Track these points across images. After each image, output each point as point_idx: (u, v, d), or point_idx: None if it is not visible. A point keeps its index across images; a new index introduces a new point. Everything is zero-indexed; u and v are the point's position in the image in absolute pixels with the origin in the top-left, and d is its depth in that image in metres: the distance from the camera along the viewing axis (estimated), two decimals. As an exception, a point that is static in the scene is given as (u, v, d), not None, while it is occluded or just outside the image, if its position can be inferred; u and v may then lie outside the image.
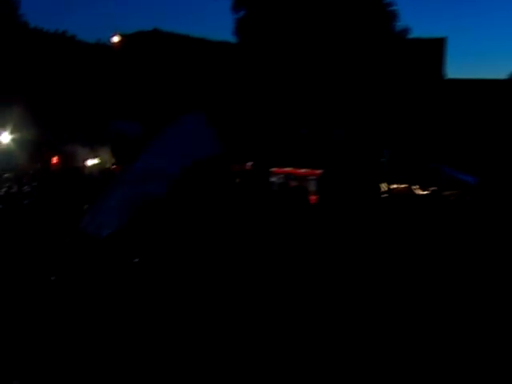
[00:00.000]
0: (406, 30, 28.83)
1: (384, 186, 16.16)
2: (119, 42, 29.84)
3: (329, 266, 5.92)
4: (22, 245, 8.77)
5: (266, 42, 26.71)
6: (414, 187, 16.20)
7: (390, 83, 25.42)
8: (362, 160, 17.91)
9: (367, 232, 6.90)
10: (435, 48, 28.89)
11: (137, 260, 6.58)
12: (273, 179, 18.06)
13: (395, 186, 16.50)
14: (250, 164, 18.80)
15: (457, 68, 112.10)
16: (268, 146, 21.57)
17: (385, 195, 14.50)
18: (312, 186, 17.60)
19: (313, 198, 14.65)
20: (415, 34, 31.49)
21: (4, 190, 12.21)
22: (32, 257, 7.18)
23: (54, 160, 21.26)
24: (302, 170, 18.18)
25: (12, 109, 19.45)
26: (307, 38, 25.76)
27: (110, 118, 23.24)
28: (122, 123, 21.52)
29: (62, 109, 24.92)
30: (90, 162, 20.14)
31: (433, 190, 15.29)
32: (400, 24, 28.38)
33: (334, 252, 6.26)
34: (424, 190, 15.83)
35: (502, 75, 57.86)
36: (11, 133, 18.91)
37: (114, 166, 18.93)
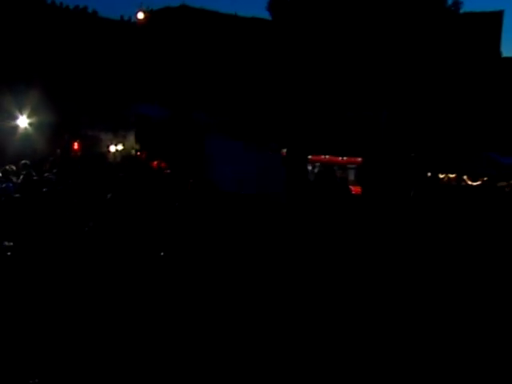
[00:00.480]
0: (457, 4, 28.34)
1: (429, 176, 16.02)
2: (144, 18, 30.04)
3: (373, 261, 6.10)
4: (43, 235, 8.98)
5: (303, 18, 26.57)
6: (464, 177, 16.02)
7: (441, 62, 25.05)
8: (406, 149, 17.75)
9: (414, 227, 6.96)
10: (491, 23, 28.34)
11: (163, 254, 6.85)
12: (309, 167, 18.07)
13: (443, 175, 16.33)
14: (284, 151, 18.80)
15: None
16: (304, 131, 21.47)
17: (431, 186, 14.39)
18: (352, 175, 17.62)
19: (354, 188, 14.60)
20: (468, 7, 30.91)
21: (22, 177, 12.43)
22: (50, 249, 7.34)
23: (75, 146, 21.60)
24: (342, 158, 18.06)
25: (29, 91, 19.73)
26: (349, 11, 25.55)
27: (133, 100, 23.40)
28: (146, 106, 21.67)
29: (82, 91, 25.22)
30: (113, 148, 20.39)
31: (485, 181, 15.10)
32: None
33: (379, 248, 6.36)
34: (475, 181, 15.64)
35: None
36: (29, 116, 19.18)
37: (139, 153, 19.11)
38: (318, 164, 17.58)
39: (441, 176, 16.18)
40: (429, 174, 16.12)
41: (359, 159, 17.72)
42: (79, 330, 4.97)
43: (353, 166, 17.75)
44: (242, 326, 4.90)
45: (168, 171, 16.23)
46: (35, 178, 11.93)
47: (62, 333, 4.96)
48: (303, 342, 4.77)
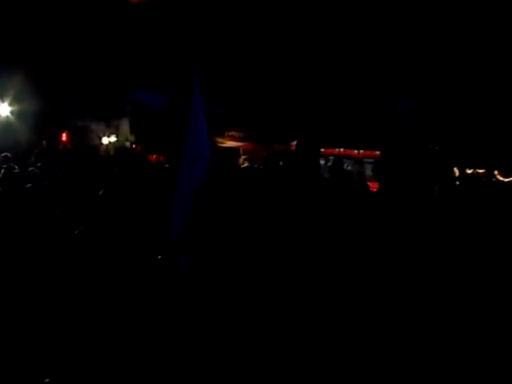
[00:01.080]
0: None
1: (456, 171, 15.96)
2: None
3: (390, 263, 6.15)
4: (26, 237, 8.98)
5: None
6: (495, 173, 15.96)
7: (471, 44, 24.92)
8: (430, 141, 17.66)
9: (438, 228, 6.93)
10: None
11: (160, 257, 6.88)
12: (322, 162, 18.01)
13: (471, 171, 16.29)
14: (294, 143, 18.75)
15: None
16: (315, 121, 21.45)
17: (458, 182, 14.34)
18: (369, 170, 17.56)
19: (371, 185, 14.54)
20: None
21: (3, 171, 12.43)
22: (35, 252, 7.34)
23: (63, 137, 21.65)
24: (358, 151, 18.04)
25: (11, 75, 19.58)
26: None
27: (129, 86, 23.34)
28: (143, 93, 21.67)
29: (71, 75, 25.17)
30: (106, 140, 20.41)
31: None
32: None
33: (397, 250, 6.40)
34: (507, 177, 15.59)
35: None
36: (11, 104, 19.01)
37: (134, 146, 19.12)
38: (331, 158, 17.54)
39: (468, 171, 16.12)
40: (455, 168, 16.07)
41: (377, 153, 17.67)
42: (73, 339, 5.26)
43: (370, 160, 17.71)
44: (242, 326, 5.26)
45: (167, 165, 16.24)
46: (17, 171, 11.92)
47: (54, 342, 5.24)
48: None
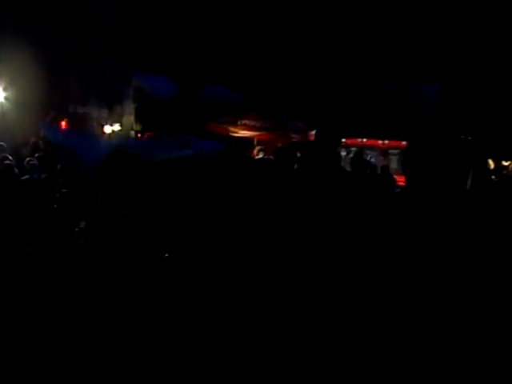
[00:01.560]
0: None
1: (491, 164, 15.80)
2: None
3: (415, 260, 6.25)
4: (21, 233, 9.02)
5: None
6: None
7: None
8: (462, 130, 17.49)
9: (472, 226, 6.92)
10: None
11: (167, 255, 6.97)
12: (343, 153, 17.90)
13: (508, 163, 16.12)
14: (313, 133, 18.68)
15: None
16: (336, 108, 21.33)
17: (493, 176, 14.18)
18: (394, 163, 17.43)
19: (397, 179, 14.39)
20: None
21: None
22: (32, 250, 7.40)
23: (63, 125, 21.67)
24: (383, 141, 17.91)
25: (5, 57, 19.57)
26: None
27: (133, 70, 23.31)
28: (148, 78, 21.63)
29: (71, 57, 25.18)
30: (109, 129, 20.40)
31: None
32: None
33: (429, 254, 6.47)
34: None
35: None
36: (5, 89, 19.03)
37: (140, 135, 19.10)
38: (353, 149, 17.44)
39: (505, 163, 15.94)
40: (489, 161, 15.90)
41: (404, 143, 17.54)
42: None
43: (396, 151, 17.59)
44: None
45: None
46: (11, 162, 11.90)
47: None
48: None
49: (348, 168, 13.05)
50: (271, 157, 15.03)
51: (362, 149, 16.93)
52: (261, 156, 15.15)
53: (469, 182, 13.38)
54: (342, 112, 20.81)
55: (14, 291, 6.49)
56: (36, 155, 13.63)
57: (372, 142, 18.01)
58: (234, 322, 5.75)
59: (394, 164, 16.73)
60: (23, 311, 6.00)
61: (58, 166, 12.33)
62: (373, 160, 16.51)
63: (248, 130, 16.73)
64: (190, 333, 5.62)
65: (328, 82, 24.26)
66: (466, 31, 23.90)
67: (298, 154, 15.07)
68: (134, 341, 5.69)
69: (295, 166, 13.20)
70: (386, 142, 17.73)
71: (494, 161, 15.42)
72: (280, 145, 15.43)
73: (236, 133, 16.75)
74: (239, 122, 16.21)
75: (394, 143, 17.70)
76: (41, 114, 21.78)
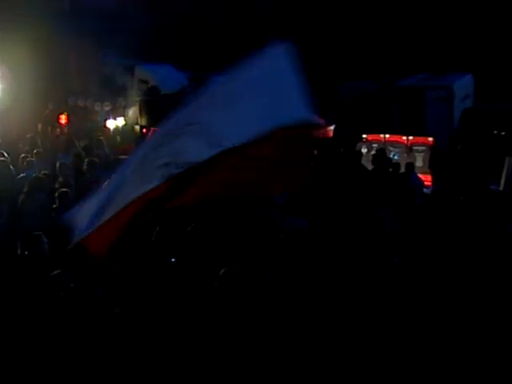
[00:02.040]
0: None
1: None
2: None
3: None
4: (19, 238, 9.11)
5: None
6: None
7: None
8: (495, 125, 17.41)
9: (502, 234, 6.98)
10: None
11: (174, 260, 7.05)
12: (363, 149, 17.84)
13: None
14: (331, 128, 18.63)
15: None
16: (356, 101, 21.27)
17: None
18: (420, 161, 17.36)
19: (423, 178, 14.34)
20: None
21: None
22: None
23: (62, 119, 21.78)
24: (407, 137, 17.85)
25: (2, 45, 19.59)
26: None
27: (139, 59, 23.28)
28: (153, 68, 21.65)
29: (71, 45, 25.17)
30: (112, 123, 20.46)
31: None
32: None
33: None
34: None
35: None
36: (1, 80, 19.09)
37: (145, 130, 19.11)
38: (375, 146, 17.36)
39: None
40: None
41: (430, 139, 17.48)
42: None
43: (422, 147, 17.51)
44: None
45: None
46: (6, 159, 11.98)
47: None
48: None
49: (369, 167, 13.06)
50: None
51: (384, 145, 16.86)
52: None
53: (502, 183, 13.33)
54: (362, 105, 20.74)
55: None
56: (34, 151, 13.70)
57: (395, 138, 17.94)
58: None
59: (419, 162, 16.65)
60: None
61: (58, 164, 12.40)
62: (396, 158, 16.46)
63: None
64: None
65: (346, 72, 24.24)
66: (498, 18, 23.84)
67: (315, 152, 15.08)
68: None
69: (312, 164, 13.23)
70: (411, 137, 17.64)
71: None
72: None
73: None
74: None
75: (420, 139, 17.59)
76: (38, 107, 21.88)
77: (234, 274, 5.93)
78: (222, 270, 5.96)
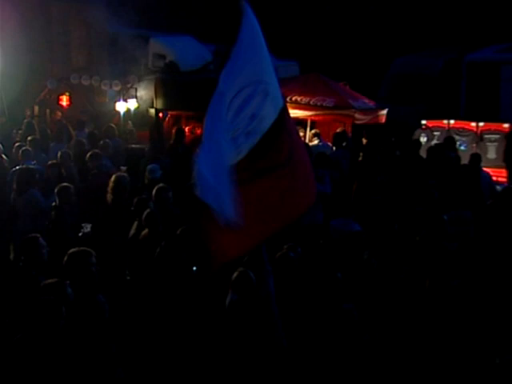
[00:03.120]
0: None
1: None
2: None
3: None
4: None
5: None
6: None
7: None
8: None
9: None
10: None
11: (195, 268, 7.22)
12: (422, 138, 17.74)
13: None
14: (383, 113, 18.55)
15: None
16: (415, 80, 21.21)
17: None
18: (492, 152, 17.23)
19: (495, 172, 14.22)
20: None
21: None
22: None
23: (63, 100, 22.01)
24: (476, 124, 17.76)
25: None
26: None
27: (152, 30, 23.34)
28: (172, 41, 21.71)
29: (73, 15, 25.34)
30: (122, 106, 20.60)
31: None
32: None
33: None
34: None
35: None
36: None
37: (162, 114, 19.15)
38: (437, 133, 17.31)
39: None
40: None
41: (506, 126, 17.34)
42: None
43: (494, 136, 17.38)
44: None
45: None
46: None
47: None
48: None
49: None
50: (329, 143, 15.04)
51: (448, 134, 16.68)
52: (315, 142, 15.15)
53: None
54: (422, 84, 20.68)
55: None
56: (28, 138, 13.77)
57: (462, 124, 17.80)
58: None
59: (491, 153, 16.48)
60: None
61: (59, 154, 12.53)
62: (462, 148, 16.25)
63: (300, 108, 16.65)
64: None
65: (403, 43, 24.19)
66: None
67: (365, 141, 15.07)
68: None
69: (360, 157, 13.19)
70: (482, 124, 17.48)
71: None
72: (340, 128, 15.36)
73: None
74: (288, 99, 16.10)
75: (493, 126, 17.39)
76: (35, 85, 22.10)
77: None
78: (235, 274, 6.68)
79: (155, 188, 9.62)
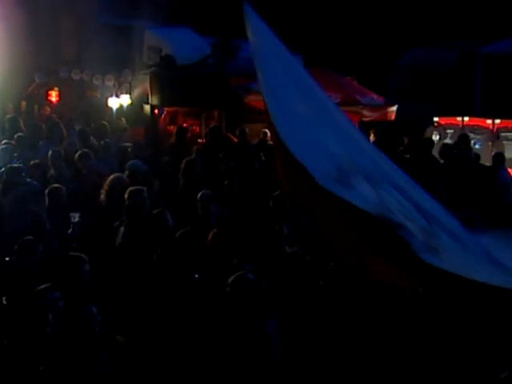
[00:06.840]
0: None
1: None
2: None
3: None
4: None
5: None
6: None
7: None
8: None
9: None
10: None
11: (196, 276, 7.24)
12: (435, 137, 17.76)
13: None
14: (393, 109, 18.57)
15: None
16: (425, 74, 21.22)
17: None
18: (510, 151, 17.18)
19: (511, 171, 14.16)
20: None
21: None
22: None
23: (52, 96, 22.08)
24: (492, 121, 17.79)
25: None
26: None
27: (147, 21, 23.35)
28: (167, 33, 21.76)
29: (64, 6, 25.43)
30: (115, 102, 20.66)
31: None
32: None
33: None
34: None
35: None
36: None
37: (157, 110, 19.18)
38: (450, 131, 17.35)
39: None
40: None
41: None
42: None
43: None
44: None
45: (202, 141, 16.28)
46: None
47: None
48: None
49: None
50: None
51: (462, 131, 16.70)
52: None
53: None
54: (435, 79, 20.70)
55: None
56: (15, 136, 13.75)
57: (477, 121, 17.81)
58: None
59: (509, 153, 16.46)
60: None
61: (50, 152, 12.53)
62: (477, 147, 16.26)
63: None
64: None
65: (414, 35, 24.21)
66: None
67: (373, 138, 15.10)
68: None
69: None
70: (498, 121, 17.49)
71: None
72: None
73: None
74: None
75: (510, 123, 17.42)
76: (21, 79, 22.11)
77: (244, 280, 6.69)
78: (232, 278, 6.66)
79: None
